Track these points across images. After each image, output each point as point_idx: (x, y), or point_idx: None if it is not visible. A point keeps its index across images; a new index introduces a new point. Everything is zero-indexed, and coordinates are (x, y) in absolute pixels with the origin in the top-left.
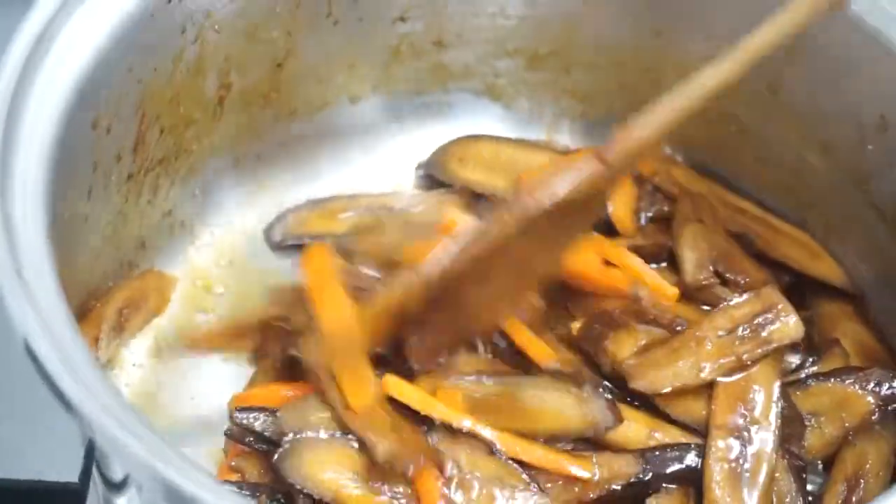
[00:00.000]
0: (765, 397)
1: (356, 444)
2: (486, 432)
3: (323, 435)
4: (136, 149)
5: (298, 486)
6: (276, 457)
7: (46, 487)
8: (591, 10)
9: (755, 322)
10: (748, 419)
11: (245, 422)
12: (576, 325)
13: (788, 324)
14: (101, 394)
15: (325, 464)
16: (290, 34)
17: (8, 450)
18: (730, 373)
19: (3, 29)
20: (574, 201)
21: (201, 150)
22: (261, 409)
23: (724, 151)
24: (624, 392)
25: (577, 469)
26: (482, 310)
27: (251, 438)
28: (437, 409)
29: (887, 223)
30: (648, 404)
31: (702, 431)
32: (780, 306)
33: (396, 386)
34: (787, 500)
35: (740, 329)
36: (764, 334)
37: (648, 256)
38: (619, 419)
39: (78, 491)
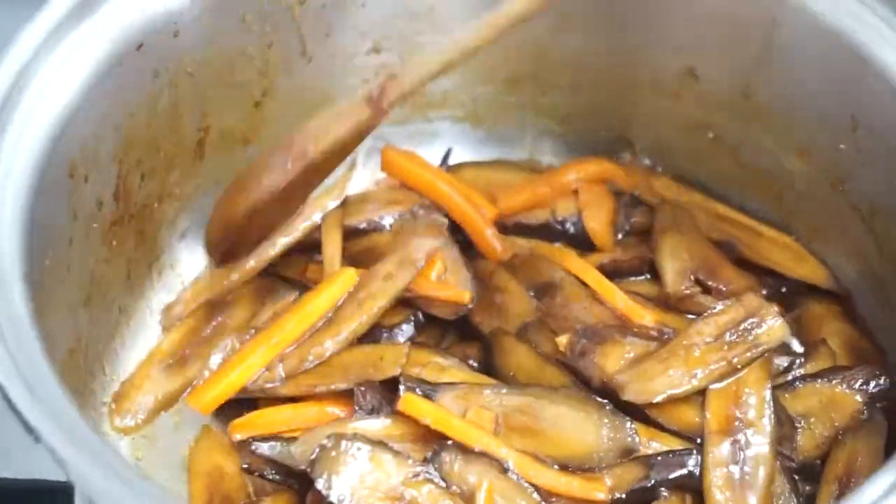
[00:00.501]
0: (757, 400)
1: (391, 456)
2: (501, 451)
3: (358, 448)
4: (118, 195)
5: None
6: (312, 463)
7: (44, 486)
8: (563, 31)
9: (741, 327)
10: (743, 423)
11: (269, 454)
12: (561, 342)
13: (774, 326)
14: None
15: (358, 478)
16: (264, 74)
17: (7, 449)
18: (721, 378)
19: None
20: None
21: (186, 193)
22: (275, 438)
23: (704, 160)
24: (615, 405)
25: (593, 493)
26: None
27: (274, 472)
28: (452, 427)
29: (865, 222)
30: (641, 415)
31: (696, 439)
32: (763, 310)
33: (414, 404)
34: (781, 501)
35: (727, 335)
36: (751, 338)
37: (630, 270)
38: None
39: None
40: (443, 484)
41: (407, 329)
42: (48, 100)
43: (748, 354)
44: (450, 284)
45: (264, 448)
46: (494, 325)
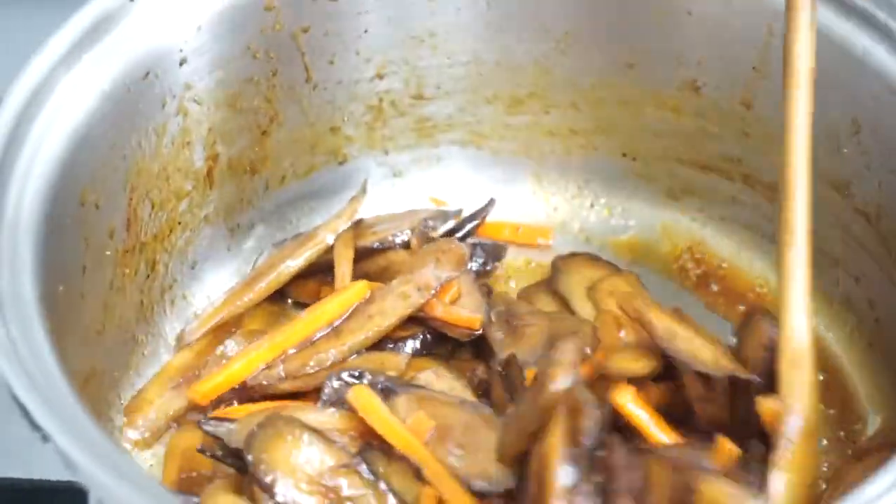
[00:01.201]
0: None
1: (323, 444)
2: (419, 457)
3: (291, 431)
4: (129, 224)
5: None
6: (247, 439)
7: (49, 486)
8: (563, 49)
9: None
10: None
11: (212, 430)
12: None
13: None
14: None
15: (287, 460)
16: (270, 102)
17: (11, 449)
18: None
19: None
20: None
21: (195, 223)
22: (230, 420)
23: (709, 171)
24: None
25: None
26: None
27: (221, 452)
28: (380, 424)
29: (872, 225)
30: None
31: None
32: None
33: (360, 396)
34: None
35: None
36: None
37: None
38: None
39: (82, 490)
40: (370, 477)
41: (412, 344)
42: (58, 129)
43: None
44: (464, 308)
45: (209, 426)
46: (512, 349)
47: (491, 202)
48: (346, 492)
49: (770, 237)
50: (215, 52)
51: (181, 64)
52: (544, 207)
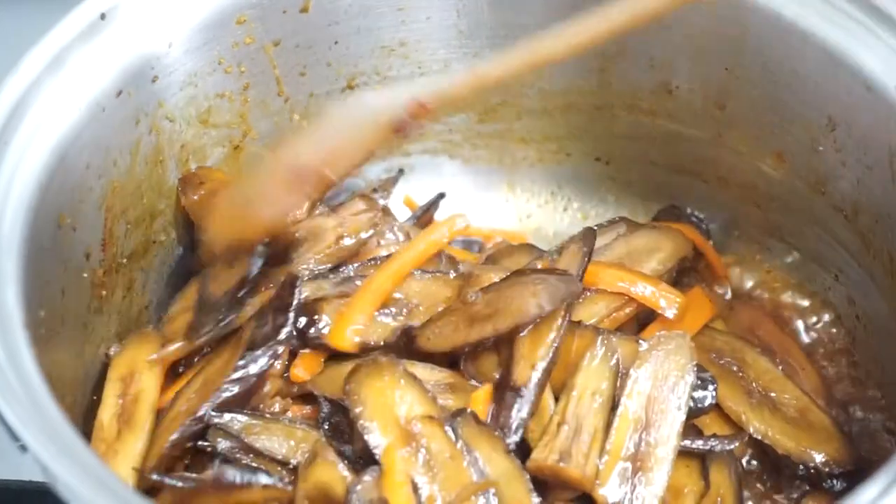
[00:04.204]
0: None
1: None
2: None
3: None
4: (105, 245)
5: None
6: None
7: (47, 488)
8: None
9: None
10: None
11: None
12: None
13: None
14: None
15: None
16: (242, 117)
17: (9, 450)
18: None
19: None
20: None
21: (170, 241)
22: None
23: (684, 175)
24: None
25: None
26: None
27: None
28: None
29: (850, 222)
30: None
31: None
32: None
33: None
34: None
35: None
36: None
37: None
38: None
39: None
40: (452, 437)
41: None
42: (33, 151)
43: None
44: None
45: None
46: None
47: (440, 196)
48: (424, 442)
49: (745, 238)
50: (187, 68)
51: (153, 81)
52: (518, 214)
